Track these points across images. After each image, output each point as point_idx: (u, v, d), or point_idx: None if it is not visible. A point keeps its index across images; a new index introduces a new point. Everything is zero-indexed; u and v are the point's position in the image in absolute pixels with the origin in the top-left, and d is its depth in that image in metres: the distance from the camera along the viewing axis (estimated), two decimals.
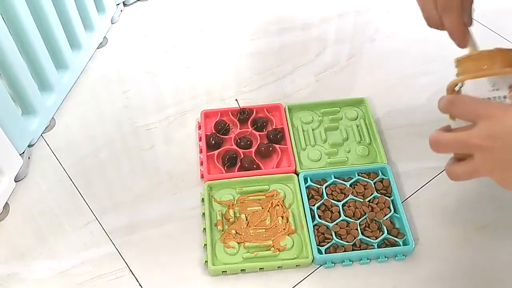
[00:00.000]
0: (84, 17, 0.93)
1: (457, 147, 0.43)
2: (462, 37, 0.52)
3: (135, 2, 1.09)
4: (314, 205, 0.74)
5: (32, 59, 0.81)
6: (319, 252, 0.69)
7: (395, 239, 0.70)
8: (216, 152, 0.80)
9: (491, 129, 0.39)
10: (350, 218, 0.72)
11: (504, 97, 0.44)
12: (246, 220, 0.73)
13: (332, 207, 0.74)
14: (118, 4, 1.05)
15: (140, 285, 0.69)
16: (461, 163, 0.44)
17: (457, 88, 0.47)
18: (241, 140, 0.82)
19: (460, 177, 0.45)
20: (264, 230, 0.72)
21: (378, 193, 0.75)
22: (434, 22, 0.53)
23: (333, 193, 0.75)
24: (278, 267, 0.70)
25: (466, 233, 0.73)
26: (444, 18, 0.52)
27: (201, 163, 0.80)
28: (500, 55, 0.45)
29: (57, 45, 0.86)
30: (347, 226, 0.72)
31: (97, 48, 1.00)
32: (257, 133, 0.83)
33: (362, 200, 0.74)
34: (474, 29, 0.56)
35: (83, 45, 0.94)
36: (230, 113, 0.86)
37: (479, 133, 0.40)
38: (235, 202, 0.76)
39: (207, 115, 0.86)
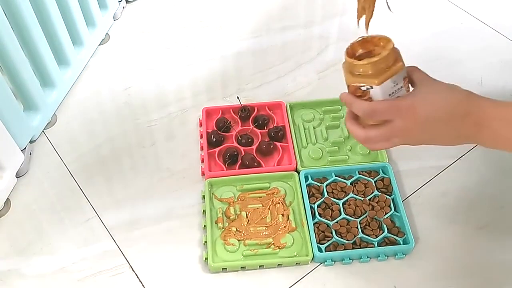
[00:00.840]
0: (86, 14, 0.93)
1: (382, 139, 0.55)
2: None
3: None
4: (314, 203, 0.74)
5: (34, 55, 0.81)
6: (319, 250, 0.69)
7: (395, 237, 0.70)
8: (217, 149, 0.81)
9: (406, 125, 0.53)
10: (351, 216, 0.72)
11: (401, 87, 0.54)
12: (247, 217, 0.74)
13: (332, 205, 0.74)
14: (120, 1, 1.05)
15: (140, 282, 0.69)
16: (381, 143, 0.56)
17: (363, 88, 0.54)
18: (242, 138, 0.82)
19: (380, 149, 0.62)
20: (264, 228, 0.72)
21: (378, 191, 0.75)
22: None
23: (333, 191, 0.75)
24: (278, 264, 0.70)
25: (466, 233, 0.73)
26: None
27: (202, 160, 0.80)
28: (390, 54, 0.52)
29: (59, 41, 0.86)
30: (347, 225, 0.72)
31: (99, 45, 1.00)
32: (258, 131, 0.83)
33: (362, 199, 0.74)
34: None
35: (85, 42, 0.94)
36: (231, 110, 0.86)
37: (399, 129, 0.53)
38: (235, 200, 0.76)
39: (208, 112, 0.86)
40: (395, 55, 0.53)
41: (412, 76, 0.55)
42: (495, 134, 0.52)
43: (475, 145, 0.61)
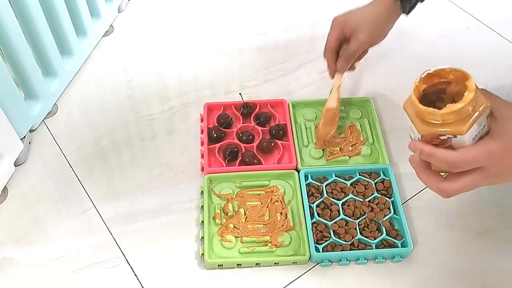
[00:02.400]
0: (91, 4, 0.92)
1: (471, 188, 0.49)
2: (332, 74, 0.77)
3: None
4: (313, 203, 0.73)
5: (37, 44, 0.80)
6: (317, 250, 0.69)
7: (394, 240, 0.70)
8: (217, 145, 0.80)
9: (499, 170, 0.47)
10: (349, 217, 0.72)
11: (484, 125, 0.47)
12: (245, 214, 0.73)
13: (331, 205, 0.73)
14: None
15: (135, 275, 0.69)
16: (468, 189, 0.49)
17: (444, 138, 0.46)
18: (243, 135, 0.81)
19: (457, 191, 0.50)
20: (262, 226, 0.72)
21: (378, 193, 0.75)
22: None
23: (333, 191, 0.75)
24: (275, 263, 0.69)
25: (465, 238, 0.72)
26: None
27: (202, 156, 0.80)
28: (475, 95, 0.44)
29: (62, 31, 0.85)
30: (345, 225, 0.71)
31: (102, 36, 0.99)
32: (259, 128, 0.82)
33: (362, 200, 0.74)
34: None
35: (88, 32, 0.93)
36: (233, 106, 0.86)
37: (490, 175, 0.47)
38: (234, 196, 0.75)
39: (210, 108, 0.86)
40: (478, 94, 0.45)
41: (490, 109, 0.47)
42: None
43: None
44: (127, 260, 0.70)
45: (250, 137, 0.81)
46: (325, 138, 0.80)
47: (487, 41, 1.00)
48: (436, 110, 0.44)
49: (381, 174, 0.77)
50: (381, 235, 0.70)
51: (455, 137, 0.45)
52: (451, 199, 0.76)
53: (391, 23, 0.75)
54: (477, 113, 0.45)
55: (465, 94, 0.44)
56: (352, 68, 0.80)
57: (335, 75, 0.78)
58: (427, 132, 0.47)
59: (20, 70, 0.78)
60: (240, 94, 0.86)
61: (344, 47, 0.77)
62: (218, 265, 0.69)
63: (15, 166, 0.79)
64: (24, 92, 0.82)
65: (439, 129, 0.45)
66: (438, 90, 0.47)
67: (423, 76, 0.47)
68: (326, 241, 0.70)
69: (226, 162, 0.78)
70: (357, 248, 0.69)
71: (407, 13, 0.74)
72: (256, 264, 0.69)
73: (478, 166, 0.47)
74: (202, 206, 0.74)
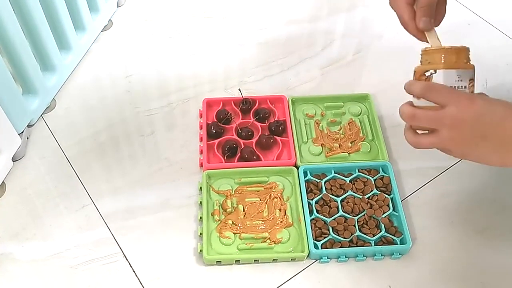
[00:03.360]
0: None
1: (428, 123, 0.52)
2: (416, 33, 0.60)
3: None
4: (312, 199, 0.73)
5: (35, 38, 0.80)
6: (315, 246, 0.69)
7: (393, 237, 0.70)
8: (216, 141, 0.80)
9: (460, 114, 0.50)
10: (348, 214, 0.72)
11: (465, 87, 0.54)
12: (244, 211, 0.73)
13: (330, 202, 0.73)
14: None
15: (134, 271, 0.69)
16: (427, 135, 0.53)
17: (428, 74, 0.54)
18: (242, 131, 0.81)
19: (423, 146, 0.54)
20: (261, 222, 0.72)
21: (377, 190, 0.74)
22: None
23: (332, 188, 0.75)
24: (273, 259, 0.69)
25: (464, 235, 0.72)
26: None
27: (201, 152, 0.80)
28: (464, 51, 0.55)
29: (61, 25, 0.85)
30: (344, 222, 0.71)
31: (101, 31, 0.99)
32: (258, 124, 0.82)
33: (361, 197, 0.74)
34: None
35: (87, 27, 0.93)
36: (232, 102, 0.85)
37: (451, 115, 0.50)
38: (233, 193, 0.75)
39: (209, 103, 0.85)
40: (467, 56, 0.55)
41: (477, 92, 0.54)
42: None
43: None
44: (125, 256, 0.70)
45: (249, 133, 0.81)
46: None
47: (488, 37, 0.99)
48: (430, 47, 0.55)
49: (381, 170, 0.77)
50: (380, 232, 0.70)
51: (435, 72, 0.53)
52: (450, 197, 0.76)
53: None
54: (459, 63, 0.54)
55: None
56: (436, 23, 0.63)
57: (429, 38, 0.61)
58: (418, 69, 0.56)
59: (18, 64, 0.77)
60: (239, 89, 0.86)
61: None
62: (217, 261, 0.69)
63: (13, 161, 0.79)
64: (22, 87, 0.81)
65: (426, 66, 0.55)
66: None
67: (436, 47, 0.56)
68: (325, 237, 0.70)
69: (225, 158, 0.78)
70: (356, 245, 0.69)
71: None
72: (255, 260, 0.69)
73: (443, 102, 0.51)
74: (201, 202, 0.73)
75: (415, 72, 0.56)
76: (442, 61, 0.54)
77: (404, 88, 0.56)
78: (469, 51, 0.55)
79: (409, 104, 0.56)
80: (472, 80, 0.54)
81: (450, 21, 1.06)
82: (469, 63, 0.55)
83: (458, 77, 0.53)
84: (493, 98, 0.52)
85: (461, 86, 0.53)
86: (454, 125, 0.50)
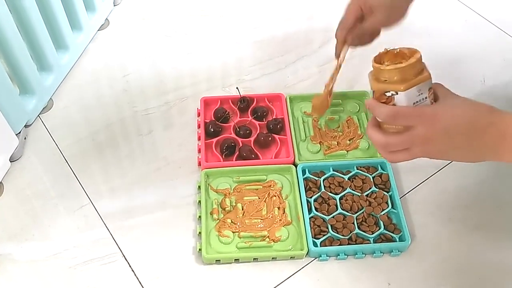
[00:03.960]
0: None
1: (401, 146, 0.54)
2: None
3: None
4: (311, 197, 0.73)
5: (31, 38, 0.79)
6: (314, 244, 0.69)
7: (392, 234, 0.70)
8: (214, 140, 0.80)
9: (428, 133, 0.52)
10: (347, 211, 0.72)
11: (425, 98, 0.54)
12: (242, 209, 0.73)
13: (329, 200, 0.73)
14: None
15: (133, 271, 0.69)
16: (402, 153, 0.55)
17: (388, 94, 0.54)
18: (240, 129, 0.81)
19: (399, 161, 0.57)
20: (259, 221, 0.72)
21: (376, 187, 0.74)
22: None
23: (330, 186, 0.75)
24: (272, 258, 0.69)
25: (463, 232, 0.72)
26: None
27: (199, 151, 0.79)
28: (419, 62, 0.53)
29: (57, 24, 0.84)
30: (343, 220, 0.71)
31: (98, 30, 0.99)
32: (256, 123, 0.82)
33: (360, 194, 0.74)
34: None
35: (84, 26, 0.92)
36: (230, 101, 0.85)
37: (419, 136, 0.52)
38: (231, 191, 0.75)
39: (207, 102, 0.85)
40: (422, 65, 0.54)
41: (436, 91, 0.55)
42: None
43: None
44: (124, 255, 0.70)
45: (247, 131, 0.81)
46: (317, 114, 0.81)
47: (485, 33, 0.99)
48: (384, 66, 0.53)
49: (379, 168, 0.77)
50: (379, 229, 0.70)
51: (397, 93, 0.53)
52: (448, 194, 0.76)
53: (407, 4, 0.72)
54: (418, 79, 0.53)
55: (409, 59, 0.53)
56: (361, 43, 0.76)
57: (341, 50, 0.75)
58: (376, 88, 0.55)
59: (14, 65, 0.77)
60: (237, 88, 0.86)
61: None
62: (216, 260, 0.69)
63: (11, 161, 0.78)
64: (19, 87, 0.81)
65: (384, 86, 0.54)
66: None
67: (386, 50, 0.55)
68: (324, 235, 0.70)
69: (223, 157, 0.78)
70: (355, 243, 0.69)
71: None
72: (254, 259, 0.69)
73: (409, 124, 0.52)
74: (199, 201, 0.73)
75: (373, 91, 0.56)
76: (401, 81, 0.53)
77: (366, 106, 0.57)
78: (421, 58, 0.54)
79: (375, 126, 0.56)
80: (431, 89, 0.54)
81: (447, 17, 1.06)
82: (425, 71, 0.54)
83: (419, 92, 0.53)
84: (455, 100, 0.53)
85: (422, 99, 0.53)
86: (425, 144, 0.53)
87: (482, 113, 0.52)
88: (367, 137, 0.80)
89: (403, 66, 0.52)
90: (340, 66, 0.75)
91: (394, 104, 0.54)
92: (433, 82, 0.55)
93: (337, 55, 0.76)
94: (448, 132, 0.51)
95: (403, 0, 0.71)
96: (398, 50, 0.55)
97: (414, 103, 0.53)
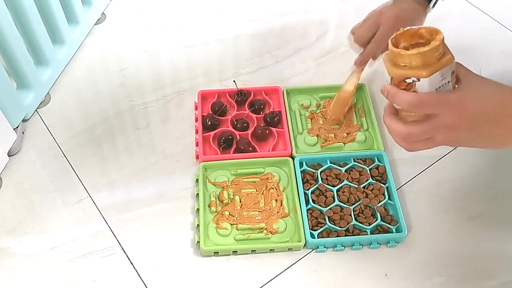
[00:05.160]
0: None
1: (424, 136, 0.51)
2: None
3: None
4: (308, 189, 0.73)
5: (28, 32, 0.79)
6: (312, 236, 0.69)
7: (388, 225, 0.70)
8: (212, 133, 0.80)
9: (454, 122, 0.49)
10: (344, 203, 0.72)
11: (448, 82, 0.50)
12: (240, 202, 0.73)
13: (326, 192, 0.73)
14: None
15: (132, 263, 0.69)
16: (423, 142, 0.52)
17: (409, 81, 0.50)
18: (237, 122, 0.81)
19: (418, 150, 0.54)
20: (257, 213, 0.72)
21: (373, 179, 0.75)
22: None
23: (328, 178, 0.75)
24: (270, 250, 0.70)
25: (459, 222, 0.73)
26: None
27: (197, 144, 0.80)
28: (441, 45, 0.49)
29: (54, 19, 0.84)
30: (340, 212, 0.72)
31: (94, 24, 0.98)
32: (254, 116, 0.82)
33: (357, 186, 0.74)
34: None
35: (80, 20, 0.92)
36: (227, 94, 0.85)
37: (444, 125, 0.50)
38: (229, 184, 0.75)
39: (204, 95, 0.85)
40: (444, 47, 0.50)
41: (457, 72, 0.51)
42: None
43: None
44: (123, 248, 0.70)
45: (245, 124, 0.81)
46: (334, 117, 0.82)
47: (481, 25, 1.00)
48: (404, 51, 0.49)
49: (376, 160, 0.77)
50: (376, 220, 0.71)
51: (419, 80, 0.49)
52: (445, 185, 0.77)
53: (418, 21, 0.76)
54: (441, 63, 0.49)
55: (431, 42, 0.48)
56: (374, 58, 0.78)
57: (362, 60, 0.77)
58: (394, 74, 0.51)
59: (11, 59, 0.77)
60: (234, 81, 0.86)
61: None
62: (214, 252, 0.69)
63: (9, 156, 0.79)
64: (16, 81, 0.81)
65: (404, 72, 0.49)
66: (416, 47, 0.50)
67: (403, 30, 0.51)
68: (321, 227, 0.70)
69: (221, 150, 0.78)
70: (352, 234, 0.70)
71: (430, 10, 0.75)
72: (252, 251, 0.69)
73: (434, 112, 0.50)
74: (197, 194, 0.74)
75: (392, 78, 0.51)
76: (423, 66, 0.48)
77: (382, 93, 0.53)
78: (443, 39, 0.49)
79: (393, 114, 0.53)
80: (454, 72, 0.51)
81: (443, 9, 1.06)
82: (448, 53, 0.50)
83: (442, 77, 0.49)
84: (480, 82, 0.51)
85: (445, 83, 0.50)
86: (449, 132, 0.50)
87: (510, 97, 0.49)
88: (364, 129, 0.81)
89: (426, 50, 0.48)
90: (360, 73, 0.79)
91: (415, 91, 0.50)
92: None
93: (359, 64, 0.78)
94: (475, 120, 0.49)
95: (411, 17, 0.73)
96: (414, 29, 0.51)
97: (436, 89, 0.50)
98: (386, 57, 0.52)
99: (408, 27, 0.51)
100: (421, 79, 0.49)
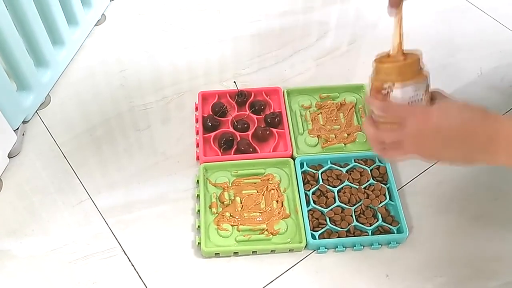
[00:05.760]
0: None
1: (393, 140, 0.55)
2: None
3: None
4: (309, 190, 0.73)
5: (28, 34, 0.79)
6: (313, 237, 0.69)
7: (389, 226, 0.70)
8: (212, 134, 0.80)
9: (419, 129, 0.52)
10: (345, 204, 0.72)
11: (421, 99, 0.54)
12: (241, 203, 0.73)
13: (327, 192, 0.73)
14: None
15: (132, 265, 0.69)
16: (394, 150, 0.56)
17: (384, 92, 0.54)
18: (238, 123, 0.81)
19: (390, 158, 0.60)
20: (258, 214, 0.72)
21: (374, 180, 0.75)
22: None
23: (328, 178, 0.75)
24: (271, 251, 0.69)
25: (460, 223, 0.73)
26: None
27: (197, 145, 0.80)
28: (417, 62, 0.54)
29: (53, 20, 0.84)
30: (341, 212, 0.72)
31: (94, 25, 0.98)
32: (254, 116, 0.82)
33: (357, 187, 0.74)
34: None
35: (80, 22, 0.92)
36: (228, 95, 0.85)
37: (411, 132, 0.53)
38: (230, 185, 0.75)
39: (204, 96, 0.85)
40: (420, 66, 0.55)
41: (434, 95, 0.56)
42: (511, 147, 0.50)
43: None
44: (123, 250, 0.70)
45: (245, 125, 0.81)
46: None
47: (481, 25, 1.00)
48: (382, 64, 0.55)
49: (377, 160, 0.77)
50: (377, 221, 0.71)
51: (392, 91, 0.54)
52: (446, 185, 0.77)
53: None
54: (415, 78, 0.54)
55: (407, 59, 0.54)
56: None
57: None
58: (374, 85, 0.56)
59: (11, 61, 0.77)
60: (234, 82, 0.86)
61: None
62: (215, 253, 0.69)
63: (9, 158, 0.78)
64: (16, 83, 0.81)
65: (381, 82, 0.55)
66: None
67: (385, 55, 0.57)
68: (322, 228, 0.70)
69: (222, 151, 0.78)
70: (353, 235, 0.70)
71: None
72: (253, 252, 0.69)
73: (400, 117, 0.53)
74: (198, 195, 0.74)
75: (371, 88, 0.57)
76: (398, 78, 0.54)
77: (366, 102, 0.57)
78: (420, 59, 0.55)
79: (371, 122, 0.57)
80: (427, 91, 0.55)
81: (443, 8, 1.06)
82: (423, 71, 0.55)
83: (415, 91, 0.54)
84: (451, 102, 0.54)
85: (418, 99, 0.54)
86: (416, 140, 0.53)
87: (475, 114, 0.51)
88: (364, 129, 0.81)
89: (401, 64, 0.54)
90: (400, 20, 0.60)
91: (389, 100, 0.55)
92: (430, 79, 0.55)
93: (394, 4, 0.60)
94: (440, 130, 0.51)
95: None
96: (398, 52, 0.55)
97: (409, 102, 0.54)
98: (369, 76, 0.57)
99: (392, 52, 0.56)
100: (394, 89, 0.54)
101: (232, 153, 0.78)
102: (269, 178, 0.76)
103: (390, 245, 0.70)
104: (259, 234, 0.70)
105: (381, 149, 0.57)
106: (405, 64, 0.54)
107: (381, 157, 0.59)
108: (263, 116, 0.82)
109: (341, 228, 0.70)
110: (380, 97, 0.55)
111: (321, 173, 0.75)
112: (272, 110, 0.83)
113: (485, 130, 0.50)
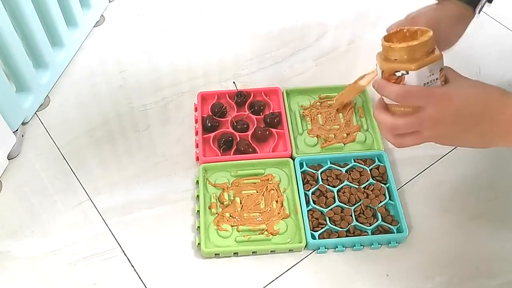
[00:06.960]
0: None
1: (411, 129, 0.52)
2: None
3: None
4: (309, 190, 0.73)
5: (27, 35, 0.79)
6: (313, 237, 0.69)
7: (389, 226, 0.70)
8: (212, 134, 0.80)
9: (439, 114, 0.50)
10: (345, 204, 0.72)
11: (436, 79, 0.51)
12: (241, 203, 0.73)
13: (327, 192, 0.73)
14: None
15: (132, 266, 0.69)
16: (410, 136, 0.53)
17: (398, 74, 0.51)
18: (237, 123, 0.81)
19: (406, 146, 0.54)
20: (258, 214, 0.72)
21: (373, 179, 0.75)
22: None
23: (328, 178, 0.75)
24: (271, 251, 0.69)
25: (460, 222, 0.73)
26: None
27: (197, 146, 0.80)
28: (431, 40, 0.51)
29: (52, 21, 0.84)
30: (341, 212, 0.72)
31: (93, 26, 0.98)
32: (254, 117, 0.82)
33: (357, 187, 0.74)
34: None
35: (79, 23, 0.92)
36: (227, 95, 0.85)
37: (431, 118, 0.50)
38: (229, 185, 0.75)
39: (204, 97, 0.85)
40: (434, 44, 0.51)
41: (446, 74, 0.53)
42: None
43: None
44: (123, 251, 0.70)
45: (245, 125, 0.81)
46: (336, 103, 0.81)
47: (480, 25, 0.99)
48: (395, 44, 0.51)
49: (376, 160, 0.77)
50: (377, 221, 0.71)
51: (407, 73, 0.51)
52: (445, 185, 0.77)
53: (459, 29, 0.70)
54: (429, 58, 0.50)
55: (420, 38, 0.51)
56: None
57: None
58: (386, 68, 0.53)
59: (10, 62, 0.77)
60: (233, 82, 0.86)
61: None
62: (215, 254, 0.69)
63: (8, 159, 0.78)
64: (15, 84, 0.81)
65: (394, 65, 0.51)
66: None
67: (396, 30, 0.54)
68: (322, 228, 0.70)
69: (221, 151, 0.78)
70: (353, 235, 0.70)
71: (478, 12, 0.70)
72: (253, 252, 0.69)
73: (420, 104, 0.50)
74: (198, 196, 0.74)
75: (382, 71, 0.53)
76: (412, 60, 0.50)
77: (373, 87, 0.54)
78: (433, 36, 0.51)
79: (383, 108, 0.54)
80: (442, 69, 0.52)
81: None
82: (437, 50, 0.51)
83: (430, 72, 0.51)
84: (467, 82, 0.52)
85: (433, 80, 0.51)
86: (435, 126, 0.51)
87: (495, 95, 0.50)
88: (364, 129, 0.81)
89: (415, 44, 0.50)
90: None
91: (404, 84, 0.52)
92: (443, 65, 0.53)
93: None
94: (460, 114, 0.49)
95: (449, 25, 0.67)
96: (407, 29, 0.53)
97: (424, 84, 0.51)
98: (378, 54, 0.54)
99: (400, 28, 0.53)
100: (409, 72, 0.50)
101: (232, 153, 0.78)
102: (268, 178, 0.76)
103: (390, 244, 0.70)
104: (259, 234, 0.70)
105: (395, 137, 0.53)
106: (419, 45, 0.50)
107: (396, 145, 0.54)
108: (263, 116, 0.82)
109: (341, 228, 0.70)
110: (392, 81, 0.52)
111: (321, 173, 0.75)
112: (271, 110, 0.83)
113: (506, 113, 0.49)
